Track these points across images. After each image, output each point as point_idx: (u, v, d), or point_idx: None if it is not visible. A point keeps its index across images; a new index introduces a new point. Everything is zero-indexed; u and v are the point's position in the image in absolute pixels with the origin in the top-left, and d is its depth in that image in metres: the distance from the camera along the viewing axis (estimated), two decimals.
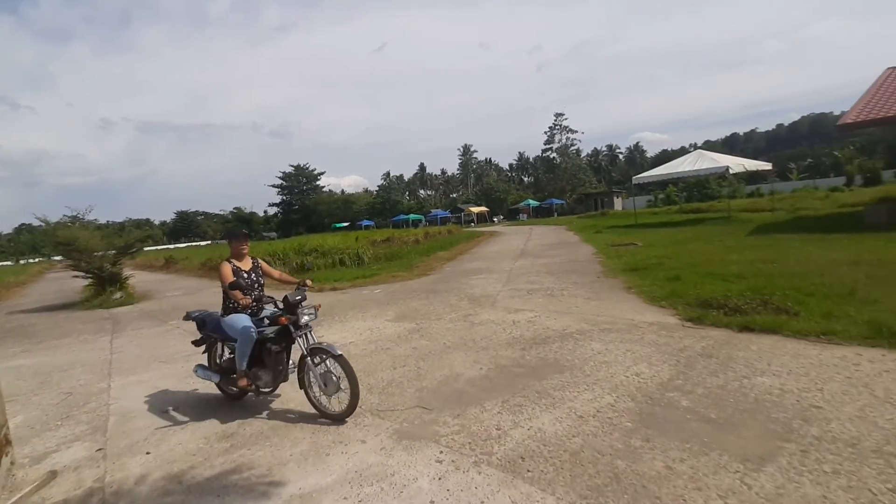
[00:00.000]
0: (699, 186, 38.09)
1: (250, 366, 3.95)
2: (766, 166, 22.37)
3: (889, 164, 37.31)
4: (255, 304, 4.08)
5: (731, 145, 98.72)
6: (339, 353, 3.64)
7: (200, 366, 4.52)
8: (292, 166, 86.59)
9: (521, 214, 58.57)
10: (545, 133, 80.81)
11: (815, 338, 4.56)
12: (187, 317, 4.59)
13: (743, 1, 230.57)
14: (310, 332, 3.90)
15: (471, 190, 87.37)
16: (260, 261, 4.44)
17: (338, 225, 68.89)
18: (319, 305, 4.08)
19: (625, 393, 3.76)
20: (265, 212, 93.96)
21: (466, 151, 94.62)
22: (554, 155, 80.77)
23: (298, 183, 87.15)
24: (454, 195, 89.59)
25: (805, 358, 4.10)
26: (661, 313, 6.10)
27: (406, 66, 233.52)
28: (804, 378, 3.70)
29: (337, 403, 3.74)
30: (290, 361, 3.99)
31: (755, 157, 29.19)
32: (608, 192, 55.19)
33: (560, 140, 79.70)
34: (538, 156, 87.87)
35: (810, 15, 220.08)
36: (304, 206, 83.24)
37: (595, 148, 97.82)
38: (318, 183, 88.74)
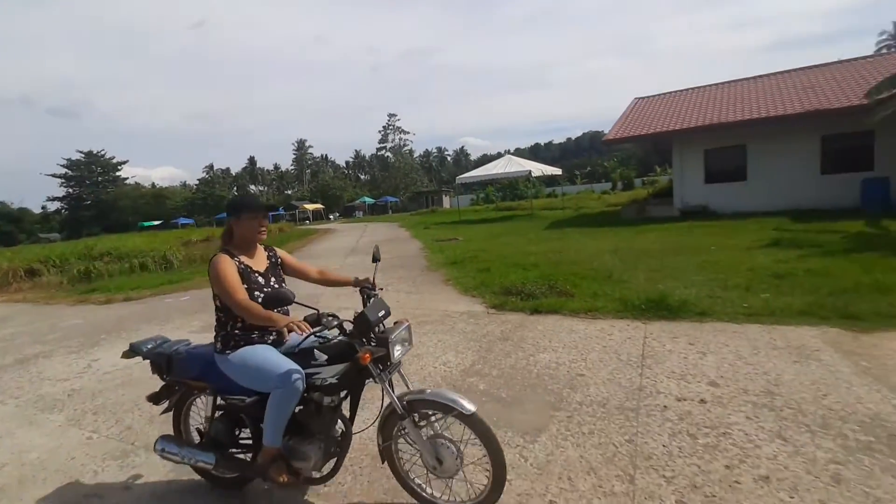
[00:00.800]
0: (511, 187, 42.59)
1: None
2: (558, 172, 26.07)
3: (639, 173, 47.09)
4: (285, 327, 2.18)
5: (535, 153, 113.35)
6: (472, 409, 2.15)
7: (166, 438, 2.61)
8: (82, 153, 70.23)
9: (357, 212, 57.87)
10: (380, 132, 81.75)
11: (585, 314, 5.31)
12: (133, 352, 2.61)
13: (541, 33, 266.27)
14: (399, 369, 2.35)
15: (306, 186, 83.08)
16: (279, 252, 2.65)
17: (147, 224, 58.50)
18: (407, 321, 2.42)
19: (432, 383, 3.81)
20: (43, 207, 74.47)
21: (301, 147, 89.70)
22: (388, 154, 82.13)
23: (91, 173, 71.28)
24: (289, 192, 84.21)
25: (576, 333, 4.73)
26: (471, 302, 6.47)
27: (232, 48, 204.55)
28: (574, 350, 4.23)
29: (465, 490, 2.29)
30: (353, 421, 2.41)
31: (552, 164, 33.76)
32: (438, 190, 58.11)
33: (394, 140, 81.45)
34: (374, 154, 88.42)
35: (586, 51, 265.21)
36: (99, 201, 68.47)
37: (426, 149, 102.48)
38: (118, 174, 73.81)
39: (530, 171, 22.14)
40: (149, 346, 2.61)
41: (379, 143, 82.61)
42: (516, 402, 3.37)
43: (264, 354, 2.27)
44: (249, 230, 2.42)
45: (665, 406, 3.11)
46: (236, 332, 2.34)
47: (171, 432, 2.73)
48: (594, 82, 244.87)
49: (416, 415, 2.26)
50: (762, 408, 2.97)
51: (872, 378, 3.22)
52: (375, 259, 2.68)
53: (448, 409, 2.17)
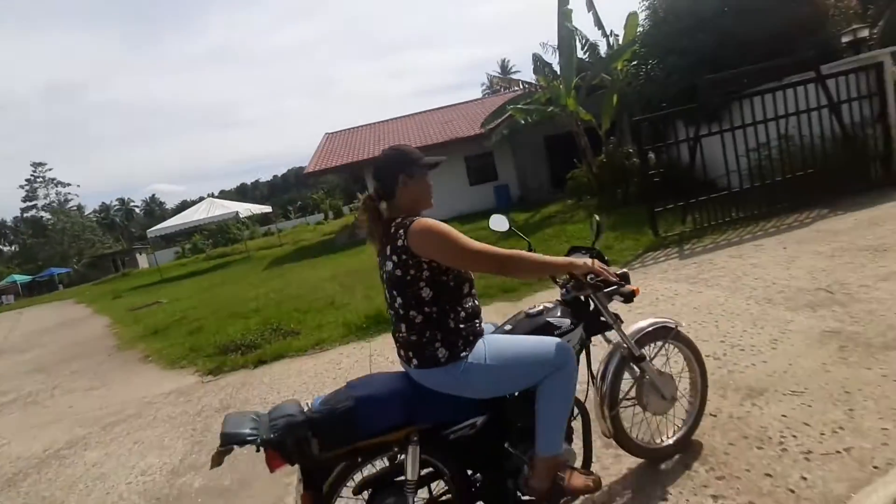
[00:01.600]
0: (222, 232, 38.01)
1: None
2: (268, 209, 24.81)
3: (346, 201, 49.89)
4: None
5: (243, 193, 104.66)
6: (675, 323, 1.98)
7: None
8: None
9: (3, 297, 40.44)
10: (23, 188, 59.46)
11: (313, 349, 4.96)
12: (231, 442, 1.31)
13: (226, 71, 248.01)
14: None
15: None
16: None
17: None
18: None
19: None
20: None
21: None
22: (43, 214, 60.66)
23: None
24: None
25: (305, 373, 4.32)
26: (180, 376, 5.17)
27: None
28: (304, 394, 3.82)
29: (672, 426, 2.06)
30: None
31: (263, 203, 31.93)
32: (129, 249, 46.50)
33: (48, 195, 60.74)
34: (18, 217, 63.67)
35: (275, 90, 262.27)
36: None
37: (104, 202, 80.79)
38: None
39: (237, 212, 20.21)
40: (251, 426, 1.37)
41: (24, 201, 60.15)
42: (244, 484, 2.73)
43: (515, 338, 1.66)
44: (424, 193, 1.66)
45: None
46: (461, 325, 1.55)
47: None
48: (287, 120, 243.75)
49: (646, 347, 1.96)
50: None
51: None
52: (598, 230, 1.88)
53: (667, 330, 1.96)
